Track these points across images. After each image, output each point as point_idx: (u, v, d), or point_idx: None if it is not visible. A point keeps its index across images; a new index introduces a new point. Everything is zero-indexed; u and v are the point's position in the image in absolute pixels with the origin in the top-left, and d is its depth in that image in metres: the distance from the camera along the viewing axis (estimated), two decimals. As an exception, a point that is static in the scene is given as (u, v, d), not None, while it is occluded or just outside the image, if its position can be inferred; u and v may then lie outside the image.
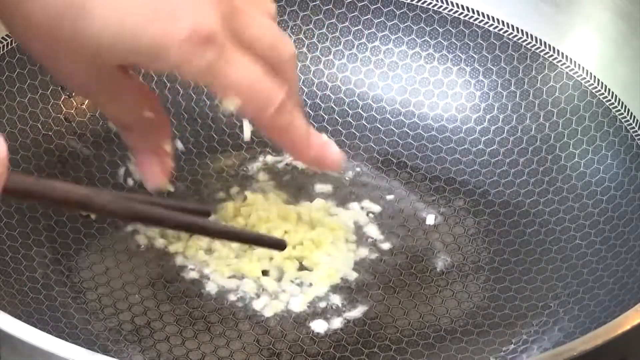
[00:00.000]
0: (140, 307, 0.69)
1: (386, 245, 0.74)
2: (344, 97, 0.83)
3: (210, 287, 0.70)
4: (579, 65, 0.78)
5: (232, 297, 0.69)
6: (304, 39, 0.84)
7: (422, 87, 0.82)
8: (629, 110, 0.75)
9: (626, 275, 0.68)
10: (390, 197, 0.77)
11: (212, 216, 0.69)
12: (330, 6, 0.84)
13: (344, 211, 0.75)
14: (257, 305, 0.69)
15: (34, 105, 0.77)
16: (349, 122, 0.82)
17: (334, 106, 0.83)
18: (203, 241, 0.72)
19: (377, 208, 0.76)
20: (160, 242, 0.72)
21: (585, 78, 0.78)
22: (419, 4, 0.82)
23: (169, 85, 0.82)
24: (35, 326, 0.54)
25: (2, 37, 0.76)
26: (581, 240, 0.73)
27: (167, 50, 0.60)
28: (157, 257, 0.72)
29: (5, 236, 0.70)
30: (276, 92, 0.64)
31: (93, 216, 0.72)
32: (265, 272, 0.70)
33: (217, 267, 0.71)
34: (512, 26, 0.80)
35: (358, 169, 0.79)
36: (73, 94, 0.78)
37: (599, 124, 0.76)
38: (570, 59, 0.78)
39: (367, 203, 0.76)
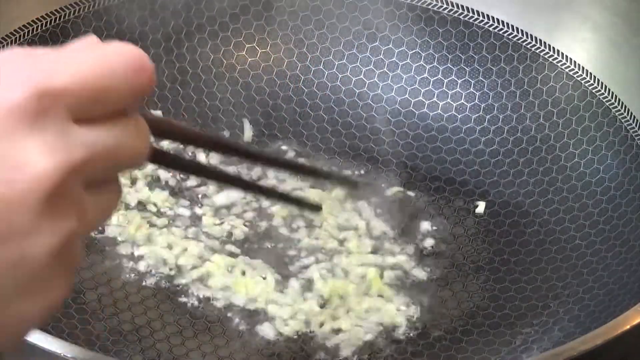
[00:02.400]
0: (141, 307, 0.69)
1: (386, 246, 0.74)
2: (344, 98, 0.83)
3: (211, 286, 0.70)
4: (579, 65, 0.78)
5: (233, 299, 0.69)
6: (304, 39, 0.84)
7: (421, 87, 0.82)
8: (629, 110, 0.75)
9: (626, 275, 0.68)
10: (389, 197, 0.77)
11: None
12: (330, 7, 0.84)
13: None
14: (254, 306, 0.69)
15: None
16: (349, 122, 0.82)
17: (334, 106, 0.83)
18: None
19: (377, 208, 0.76)
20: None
21: (585, 78, 0.78)
22: (419, 4, 0.82)
23: (169, 85, 0.82)
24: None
25: (2, 38, 0.76)
26: (581, 240, 0.73)
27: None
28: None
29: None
30: None
31: None
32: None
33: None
34: (512, 26, 0.80)
35: (358, 170, 0.79)
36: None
37: (599, 124, 0.76)
38: (570, 59, 0.78)
39: (366, 203, 0.77)
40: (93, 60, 0.39)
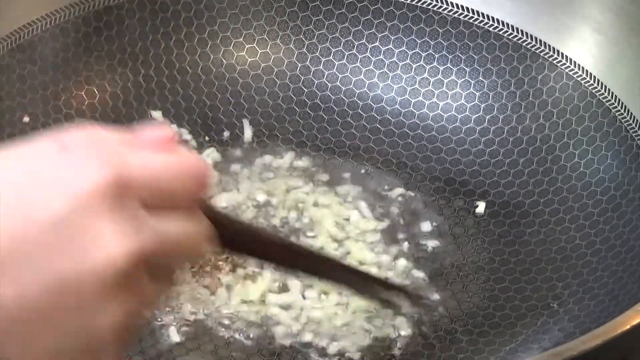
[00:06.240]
0: (140, 307, 0.69)
1: (386, 246, 0.74)
2: (344, 98, 0.83)
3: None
4: (579, 65, 0.78)
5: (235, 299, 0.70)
6: (304, 39, 0.84)
7: (422, 87, 0.82)
8: (629, 110, 0.75)
9: (626, 275, 0.68)
10: (390, 197, 0.77)
11: None
12: (330, 7, 0.84)
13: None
14: (255, 306, 0.69)
15: (34, 106, 0.77)
16: (349, 123, 0.82)
17: (334, 107, 0.83)
18: None
19: (376, 208, 0.76)
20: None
21: (585, 78, 0.78)
22: (419, 4, 0.82)
23: (169, 86, 0.82)
24: (35, 326, 0.54)
25: (2, 38, 0.76)
26: (581, 240, 0.73)
27: None
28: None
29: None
30: None
31: None
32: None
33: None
34: (512, 27, 0.80)
35: (358, 170, 0.79)
36: (74, 94, 0.79)
37: (599, 124, 0.76)
38: (570, 59, 0.78)
39: (366, 203, 0.77)
40: (166, 161, 0.42)
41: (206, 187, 0.44)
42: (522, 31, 0.80)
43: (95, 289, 0.39)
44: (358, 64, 0.83)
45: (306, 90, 0.83)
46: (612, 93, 0.76)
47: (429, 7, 0.82)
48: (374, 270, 0.71)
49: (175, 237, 0.42)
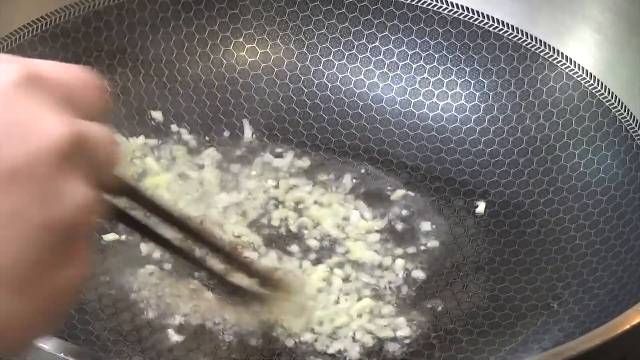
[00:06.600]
0: (141, 307, 0.69)
1: (385, 246, 0.74)
2: (344, 98, 0.83)
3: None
4: (579, 65, 0.78)
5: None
6: (304, 39, 0.84)
7: (422, 87, 0.82)
8: (629, 110, 0.75)
9: (626, 275, 0.68)
10: (390, 197, 0.77)
11: None
12: (330, 7, 0.84)
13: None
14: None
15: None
16: (349, 123, 0.82)
17: (334, 107, 0.83)
18: None
19: (376, 208, 0.76)
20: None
21: (585, 78, 0.78)
22: (419, 4, 0.82)
23: (169, 85, 0.82)
24: (35, 326, 0.54)
25: (2, 38, 0.76)
26: (581, 240, 0.73)
27: None
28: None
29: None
30: None
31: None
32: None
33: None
34: (512, 27, 0.80)
35: (358, 170, 0.79)
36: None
37: (599, 124, 0.76)
38: (570, 59, 0.78)
39: (366, 203, 0.77)
40: (64, 66, 0.44)
41: (103, 95, 0.45)
42: (522, 31, 0.80)
43: (46, 170, 0.39)
44: (358, 64, 0.84)
45: (306, 90, 0.83)
46: (612, 93, 0.76)
47: (429, 7, 0.82)
48: (375, 271, 0.72)
49: (95, 134, 0.42)
